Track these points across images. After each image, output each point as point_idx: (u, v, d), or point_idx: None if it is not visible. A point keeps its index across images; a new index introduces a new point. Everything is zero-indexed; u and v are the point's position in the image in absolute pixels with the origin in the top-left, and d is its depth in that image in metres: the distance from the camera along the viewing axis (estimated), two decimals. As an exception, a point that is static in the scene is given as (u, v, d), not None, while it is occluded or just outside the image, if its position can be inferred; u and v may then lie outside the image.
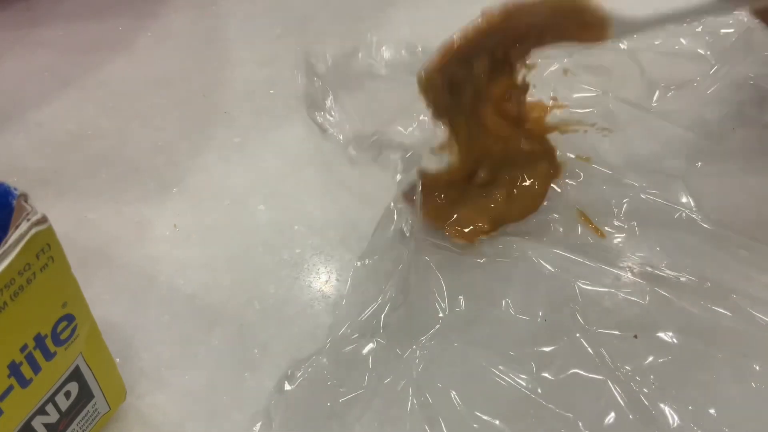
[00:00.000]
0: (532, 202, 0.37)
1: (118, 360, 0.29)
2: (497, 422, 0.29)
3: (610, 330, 0.32)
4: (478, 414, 0.29)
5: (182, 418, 0.30)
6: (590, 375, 0.31)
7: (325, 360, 0.30)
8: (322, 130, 0.39)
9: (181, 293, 0.35)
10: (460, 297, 0.33)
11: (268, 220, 0.38)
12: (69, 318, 0.24)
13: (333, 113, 0.40)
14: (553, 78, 0.42)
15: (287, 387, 0.30)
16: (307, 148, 0.41)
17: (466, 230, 0.35)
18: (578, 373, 0.31)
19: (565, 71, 0.43)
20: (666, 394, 0.30)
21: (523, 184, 0.37)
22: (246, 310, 0.34)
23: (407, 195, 0.35)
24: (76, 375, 0.26)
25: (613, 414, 0.29)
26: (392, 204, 0.36)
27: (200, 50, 0.48)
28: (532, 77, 0.36)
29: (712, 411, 0.29)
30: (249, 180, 0.40)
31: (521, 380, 0.30)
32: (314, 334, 0.32)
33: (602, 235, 0.35)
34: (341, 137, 0.38)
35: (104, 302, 0.34)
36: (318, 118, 0.40)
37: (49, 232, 0.22)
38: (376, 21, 0.49)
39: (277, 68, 0.46)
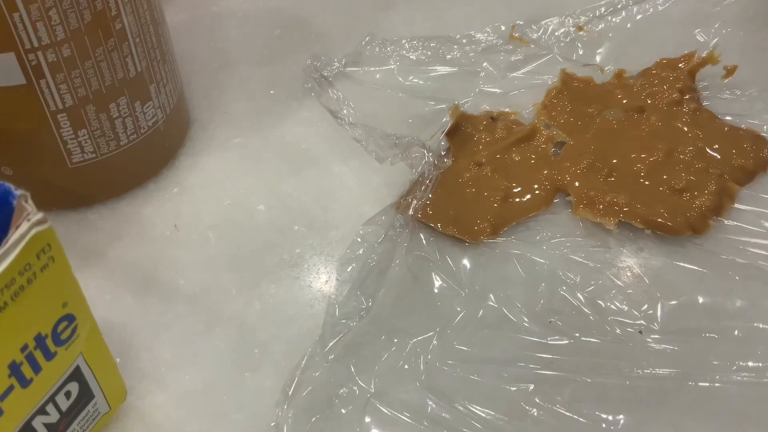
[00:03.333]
0: (534, 204, 0.37)
1: (118, 360, 0.29)
2: (498, 422, 0.29)
3: (612, 328, 0.32)
4: (479, 413, 0.29)
5: (182, 418, 0.30)
6: (591, 375, 0.31)
7: (326, 364, 0.30)
8: (336, 117, 0.40)
9: (181, 293, 0.35)
10: (459, 297, 0.33)
11: (268, 220, 0.38)
12: (69, 318, 0.24)
13: (345, 111, 0.40)
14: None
15: (292, 396, 0.30)
16: (307, 148, 0.41)
17: (468, 230, 0.35)
18: (579, 372, 0.31)
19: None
20: (667, 394, 0.30)
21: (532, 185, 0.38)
22: (246, 310, 0.34)
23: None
24: (77, 375, 0.26)
25: (611, 414, 0.29)
26: (394, 202, 0.36)
27: (200, 50, 0.48)
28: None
29: (717, 412, 0.29)
30: (249, 180, 0.40)
31: (521, 380, 0.30)
32: (314, 334, 0.32)
33: (613, 224, 0.35)
34: (357, 132, 0.38)
35: (104, 302, 0.34)
36: (336, 112, 0.40)
37: (50, 232, 0.22)
38: (375, 21, 0.49)
39: (277, 68, 0.46)
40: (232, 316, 0.34)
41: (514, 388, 0.30)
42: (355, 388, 0.30)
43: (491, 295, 0.33)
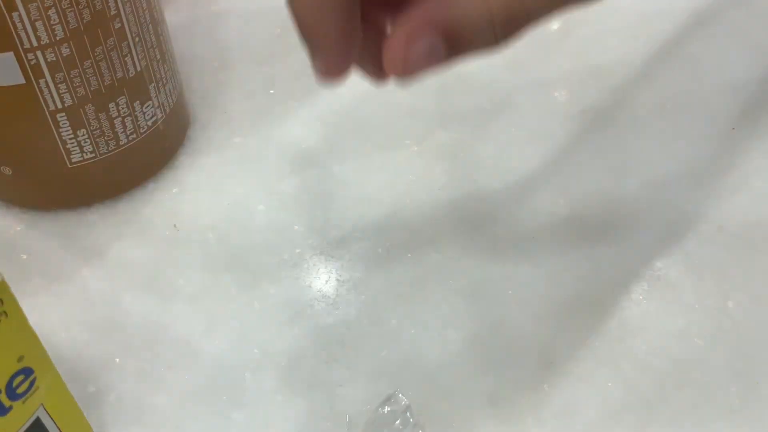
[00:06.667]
0: None
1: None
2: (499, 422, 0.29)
3: (611, 328, 0.32)
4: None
5: (182, 418, 0.30)
6: (592, 373, 0.31)
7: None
8: None
9: (182, 294, 0.34)
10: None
11: (268, 220, 0.38)
12: (27, 371, 0.23)
13: None
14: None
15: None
16: (307, 148, 0.41)
17: None
18: (580, 370, 0.31)
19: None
20: (666, 394, 0.30)
21: None
22: (246, 310, 0.34)
23: None
24: (37, 427, 0.25)
25: (611, 414, 0.29)
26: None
27: (200, 50, 0.48)
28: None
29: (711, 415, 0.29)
30: (249, 180, 0.40)
31: (523, 379, 0.30)
32: (314, 334, 0.32)
33: None
34: None
35: (104, 302, 0.34)
36: None
37: (3, 287, 0.21)
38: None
39: (277, 68, 0.46)
40: (232, 316, 0.33)
41: (515, 386, 0.30)
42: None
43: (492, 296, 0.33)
